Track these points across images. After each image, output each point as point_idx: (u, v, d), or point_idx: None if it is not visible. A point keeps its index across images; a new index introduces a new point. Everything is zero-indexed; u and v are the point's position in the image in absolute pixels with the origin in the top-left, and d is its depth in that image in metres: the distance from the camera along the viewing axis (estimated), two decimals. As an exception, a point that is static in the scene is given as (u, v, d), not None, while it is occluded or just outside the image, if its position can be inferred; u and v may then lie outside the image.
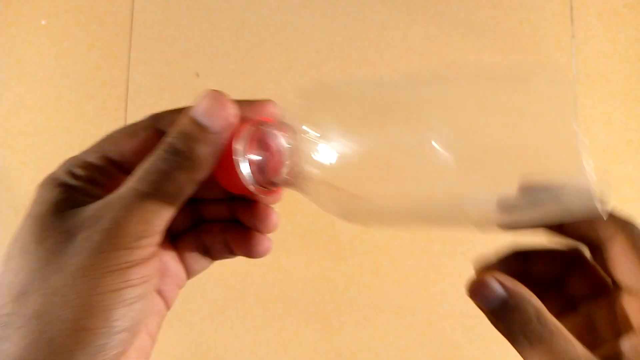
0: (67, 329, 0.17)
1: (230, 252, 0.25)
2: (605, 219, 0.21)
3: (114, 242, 0.17)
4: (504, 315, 0.20)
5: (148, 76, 0.71)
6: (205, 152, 0.19)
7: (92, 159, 0.20)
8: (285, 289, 0.66)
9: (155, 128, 0.21)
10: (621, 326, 0.21)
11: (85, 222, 0.18)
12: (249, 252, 0.24)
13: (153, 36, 0.72)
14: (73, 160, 0.20)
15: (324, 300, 0.65)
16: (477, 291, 0.21)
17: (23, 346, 0.17)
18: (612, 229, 0.21)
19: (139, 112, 0.74)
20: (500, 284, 0.21)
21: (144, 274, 0.18)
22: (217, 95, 0.19)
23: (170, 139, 0.19)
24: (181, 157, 0.19)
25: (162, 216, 0.19)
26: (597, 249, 0.22)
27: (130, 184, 0.19)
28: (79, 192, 0.19)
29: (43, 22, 0.72)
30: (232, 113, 0.20)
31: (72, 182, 0.19)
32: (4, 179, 0.69)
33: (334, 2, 0.73)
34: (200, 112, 0.19)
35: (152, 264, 0.19)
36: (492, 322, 0.21)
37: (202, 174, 0.20)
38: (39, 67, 0.71)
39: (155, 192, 0.18)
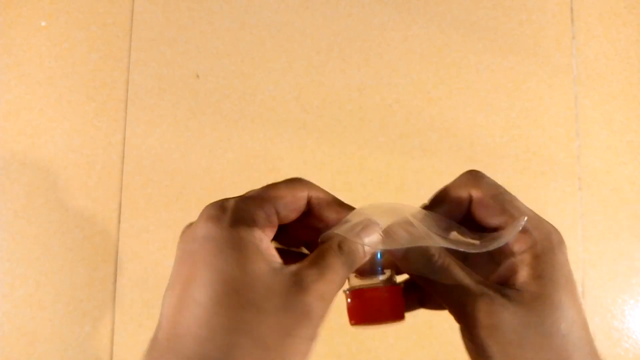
0: None
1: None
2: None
3: (312, 324, 0.22)
4: (411, 256, 0.24)
5: (148, 77, 0.71)
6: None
7: (270, 212, 0.23)
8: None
9: (309, 196, 0.25)
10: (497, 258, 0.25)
11: (308, 300, 0.22)
12: None
13: (153, 37, 0.72)
14: (255, 209, 0.23)
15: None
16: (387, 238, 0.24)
17: None
18: (467, 189, 0.24)
19: (139, 113, 0.75)
20: (404, 231, 0.24)
21: (314, 348, 0.22)
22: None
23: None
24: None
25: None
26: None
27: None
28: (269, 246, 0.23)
29: (43, 24, 0.72)
30: None
31: (265, 235, 0.23)
32: (4, 179, 0.69)
33: (334, 3, 0.73)
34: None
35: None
36: (402, 268, 0.25)
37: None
38: (39, 68, 0.71)
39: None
